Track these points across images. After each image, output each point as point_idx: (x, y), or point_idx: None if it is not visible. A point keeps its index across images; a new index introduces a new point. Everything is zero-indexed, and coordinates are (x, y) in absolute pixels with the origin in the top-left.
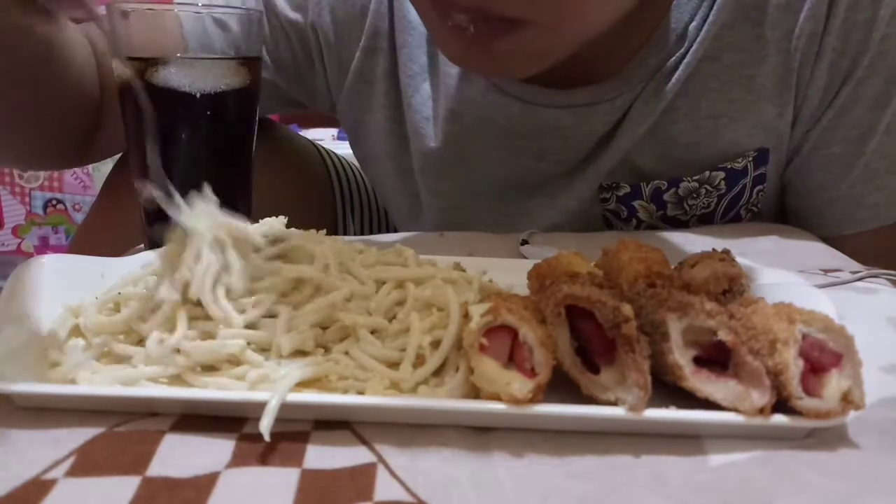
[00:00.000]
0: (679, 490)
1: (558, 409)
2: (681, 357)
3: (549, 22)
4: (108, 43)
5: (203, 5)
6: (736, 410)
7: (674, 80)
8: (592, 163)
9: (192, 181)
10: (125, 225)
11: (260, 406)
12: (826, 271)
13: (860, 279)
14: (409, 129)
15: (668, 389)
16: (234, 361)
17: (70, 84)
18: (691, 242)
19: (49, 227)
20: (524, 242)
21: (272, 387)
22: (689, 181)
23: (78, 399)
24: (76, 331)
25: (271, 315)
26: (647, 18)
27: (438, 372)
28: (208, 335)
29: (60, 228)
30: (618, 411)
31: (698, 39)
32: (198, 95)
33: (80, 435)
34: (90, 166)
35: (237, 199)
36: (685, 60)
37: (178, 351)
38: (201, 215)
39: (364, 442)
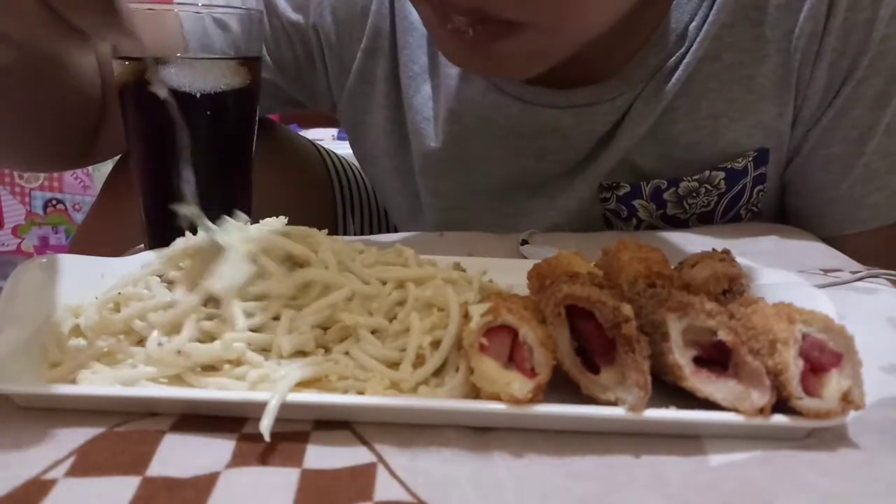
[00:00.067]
0: (679, 490)
1: (558, 409)
2: (681, 357)
3: (547, 24)
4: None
5: (203, 5)
6: (736, 410)
7: (674, 80)
8: (592, 163)
9: (192, 181)
10: (125, 225)
11: (260, 406)
12: (826, 271)
13: (860, 279)
14: (409, 129)
15: (668, 389)
16: (235, 361)
17: (71, 84)
18: (691, 242)
19: (49, 227)
20: (524, 242)
21: (272, 387)
22: (689, 181)
23: (78, 399)
24: (76, 331)
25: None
26: (647, 18)
27: (438, 372)
28: (209, 336)
29: (60, 228)
30: (618, 411)
31: (698, 39)
32: (198, 95)
33: (80, 435)
34: (90, 167)
35: (237, 199)
36: (685, 60)
37: (178, 352)
38: (232, 230)
39: (364, 442)
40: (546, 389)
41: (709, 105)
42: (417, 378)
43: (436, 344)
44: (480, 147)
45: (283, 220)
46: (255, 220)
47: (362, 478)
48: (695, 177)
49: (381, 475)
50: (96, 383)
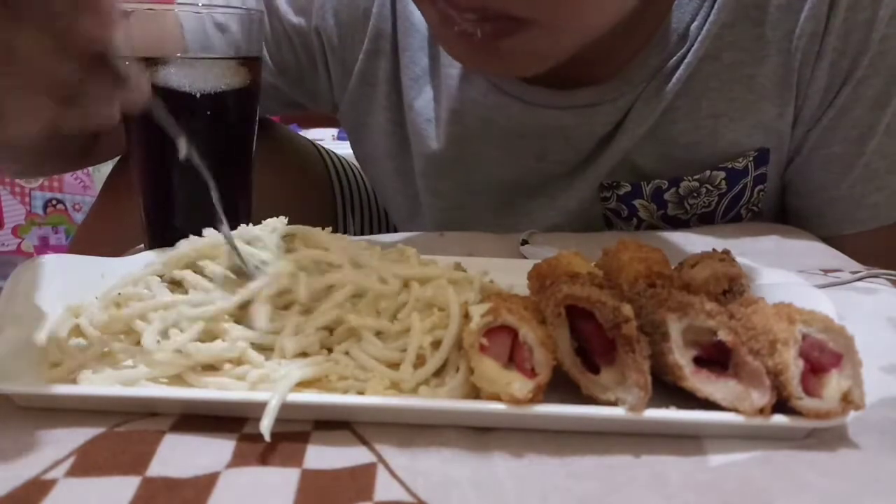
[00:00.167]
0: (679, 490)
1: (558, 409)
2: (681, 357)
3: (550, 20)
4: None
5: (203, 5)
6: (736, 410)
7: (674, 79)
8: (593, 163)
9: (192, 182)
10: (125, 225)
11: (260, 406)
12: (826, 271)
13: (860, 279)
14: (410, 131)
15: (668, 389)
16: (235, 361)
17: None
18: (692, 242)
19: (49, 227)
20: (524, 242)
21: (272, 387)
22: (689, 180)
23: (78, 399)
24: (76, 331)
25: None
26: (649, 19)
27: (439, 372)
28: (210, 335)
29: (60, 228)
30: (618, 411)
31: (699, 39)
32: (198, 95)
33: (80, 435)
34: (90, 167)
35: (237, 199)
36: (686, 60)
37: (178, 351)
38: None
39: (364, 442)
40: (546, 389)
41: (709, 105)
42: (418, 378)
43: (436, 344)
44: (481, 148)
45: (283, 220)
46: (255, 221)
47: (362, 478)
48: (695, 177)
49: (381, 475)
50: (96, 383)
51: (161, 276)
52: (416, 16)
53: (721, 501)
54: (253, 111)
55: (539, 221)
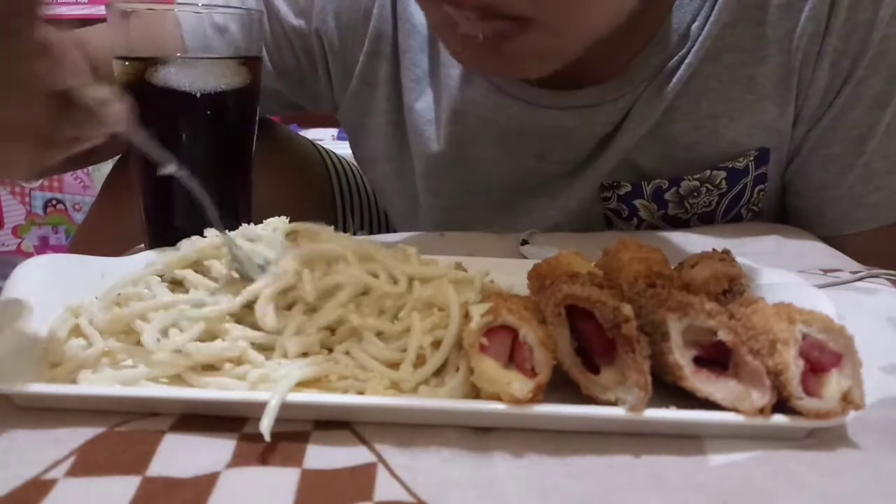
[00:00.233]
0: (679, 490)
1: (558, 409)
2: (681, 357)
3: (553, 21)
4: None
5: (203, 5)
6: (736, 410)
7: (675, 80)
8: (593, 163)
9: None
10: (125, 225)
11: (260, 406)
12: (826, 271)
13: (860, 279)
14: (410, 132)
15: (668, 389)
16: (235, 361)
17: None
18: (692, 242)
19: (49, 227)
20: (524, 242)
21: (272, 387)
22: (690, 180)
23: (78, 399)
24: (76, 331)
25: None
26: (649, 19)
27: (439, 372)
28: (211, 335)
29: (60, 228)
30: (618, 411)
31: (700, 39)
32: (198, 95)
33: (80, 435)
34: (89, 167)
35: (237, 199)
36: (687, 60)
37: (178, 351)
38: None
39: (364, 442)
40: (546, 389)
41: (709, 105)
42: (418, 378)
43: (436, 344)
44: (482, 148)
45: (284, 219)
46: (255, 221)
47: (362, 478)
48: (696, 176)
49: (381, 475)
50: (96, 383)
51: (161, 276)
52: (417, 17)
53: (721, 501)
54: (253, 111)
55: (539, 221)
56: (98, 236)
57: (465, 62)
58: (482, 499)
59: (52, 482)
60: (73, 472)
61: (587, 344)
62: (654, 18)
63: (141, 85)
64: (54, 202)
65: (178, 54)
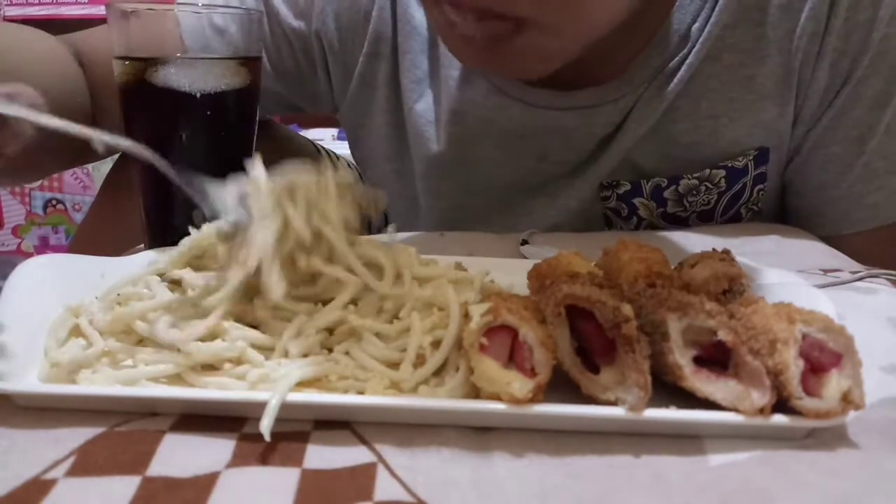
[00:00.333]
0: (679, 490)
1: (558, 409)
2: (681, 357)
3: (552, 21)
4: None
5: (203, 6)
6: (736, 410)
7: (675, 80)
8: (593, 163)
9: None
10: (125, 225)
11: (260, 406)
12: (826, 271)
13: (860, 279)
14: (410, 133)
15: (668, 389)
16: (235, 361)
17: (58, 100)
18: (692, 242)
19: (49, 227)
20: (524, 242)
21: (272, 387)
22: (689, 178)
23: (78, 399)
24: (76, 331)
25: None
26: (650, 20)
27: (439, 372)
28: (211, 334)
29: (60, 228)
30: (618, 411)
31: (700, 40)
32: (198, 96)
33: (80, 435)
34: (90, 166)
35: None
36: (687, 61)
37: (178, 350)
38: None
39: (364, 442)
40: (546, 389)
41: (709, 105)
42: (418, 378)
43: (436, 344)
44: (482, 149)
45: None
46: None
47: (362, 477)
48: (695, 175)
49: (381, 475)
50: (96, 383)
51: (161, 276)
52: (417, 19)
53: (721, 501)
54: (253, 111)
55: (539, 221)
56: (98, 236)
57: (464, 60)
58: (482, 499)
59: (52, 482)
60: (73, 472)
61: (587, 344)
62: (655, 19)
63: (141, 85)
64: (54, 202)
65: (178, 55)
